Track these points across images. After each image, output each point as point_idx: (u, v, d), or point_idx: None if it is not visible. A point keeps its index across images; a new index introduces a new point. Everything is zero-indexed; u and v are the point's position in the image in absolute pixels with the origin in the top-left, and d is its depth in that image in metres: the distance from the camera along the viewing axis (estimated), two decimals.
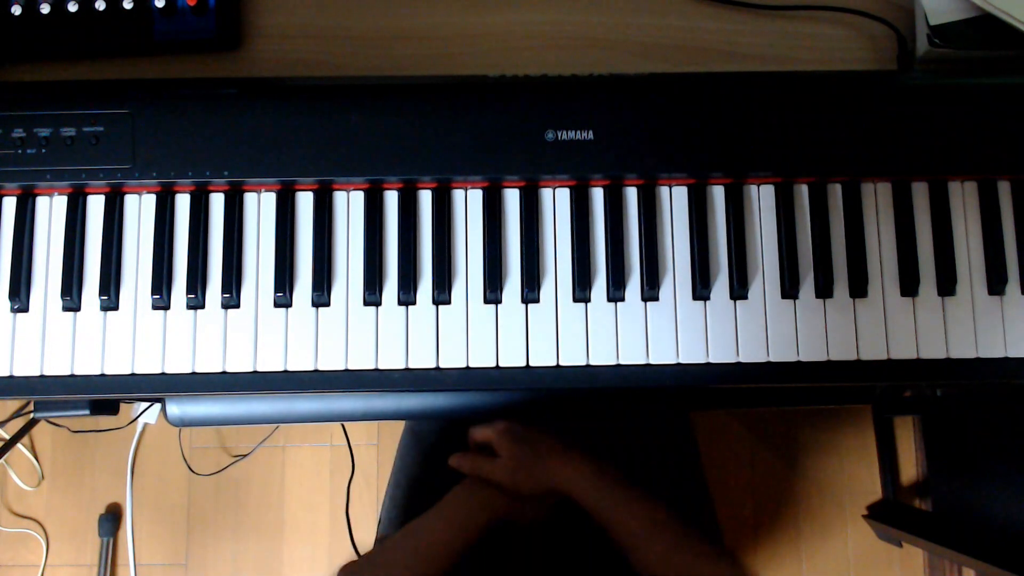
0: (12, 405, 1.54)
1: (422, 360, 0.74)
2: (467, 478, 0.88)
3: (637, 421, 1.04)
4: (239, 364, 0.74)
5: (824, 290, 0.75)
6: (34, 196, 0.76)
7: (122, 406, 1.59)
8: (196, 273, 0.75)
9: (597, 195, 0.76)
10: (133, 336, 0.74)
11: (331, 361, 0.74)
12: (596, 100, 0.75)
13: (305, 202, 0.76)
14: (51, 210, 0.76)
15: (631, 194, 0.77)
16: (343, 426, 1.21)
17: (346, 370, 0.74)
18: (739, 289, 0.75)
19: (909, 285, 0.75)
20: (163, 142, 0.74)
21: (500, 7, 0.85)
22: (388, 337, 0.74)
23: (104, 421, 1.69)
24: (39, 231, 0.76)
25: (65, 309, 0.75)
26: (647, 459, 1.02)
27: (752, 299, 0.75)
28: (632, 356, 0.74)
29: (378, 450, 1.71)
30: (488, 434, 0.88)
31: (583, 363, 0.74)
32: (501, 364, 0.74)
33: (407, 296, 0.75)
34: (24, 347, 0.74)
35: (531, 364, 0.74)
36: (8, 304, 0.75)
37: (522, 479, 0.83)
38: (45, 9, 0.80)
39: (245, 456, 1.71)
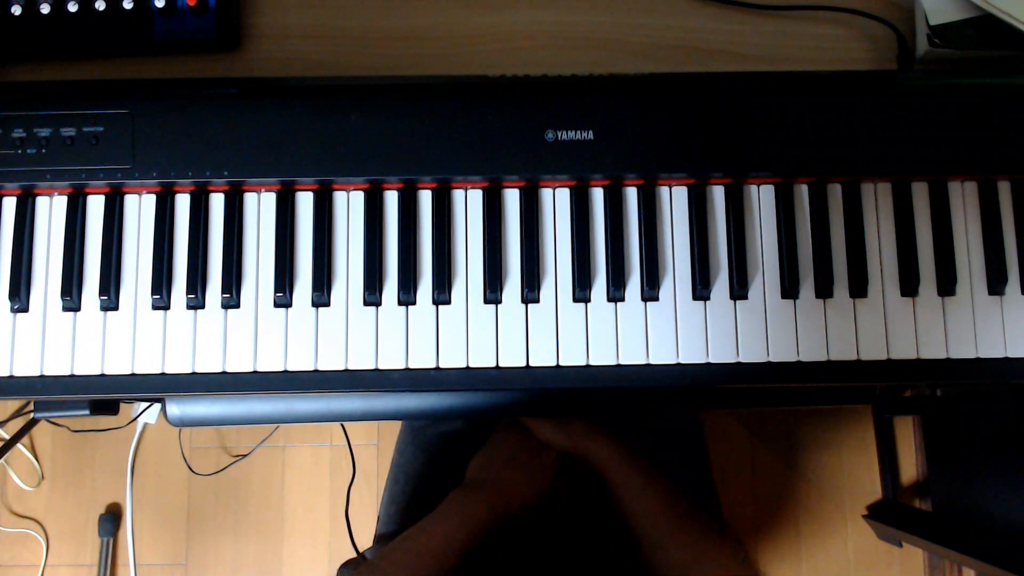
0: (12, 405, 1.54)
1: (422, 360, 0.74)
2: (464, 483, 0.89)
3: (649, 421, 1.04)
4: (239, 364, 0.74)
5: (824, 290, 0.75)
6: (34, 196, 0.76)
7: (122, 406, 1.59)
8: (196, 273, 0.75)
9: (597, 195, 0.76)
10: (133, 336, 0.74)
11: (331, 361, 0.74)
12: (596, 100, 0.75)
13: (305, 202, 0.76)
14: (51, 210, 0.76)
15: (631, 194, 0.77)
16: (344, 428, 1.21)
17: (346, 370, 0.74)
18: (739, 289, 0.75)
19: (909, 285, 0.75)
20: (163, 142, 0.74)
21: (500, 7, 0.85)
22: (388, 337, 0.74)
23: (104, 421, 1.69)
24: (39, 231, 0.76)
25: (65, 309, 0.75)
26: (657, 457, 1.02)
27: (752, 299, 0.75)
28: (632, 356, 0.74)
29: (378, 450, 1.71)
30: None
31: (583, 363, 0.74)
32: (501, 364, 0.74)
33: (407, 296, 0.75)
34: (24, 347, 0.74)
35: (531, 364, 0.74)
36: (8, 304, 0.75)
37: (561, 437, 0.91)
38: (45, 9, 0.80)
39: (245, 456, 1.71)
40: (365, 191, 0.76)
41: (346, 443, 1.71)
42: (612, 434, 0.91)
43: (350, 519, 1.04)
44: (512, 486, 0.87)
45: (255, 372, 0.74)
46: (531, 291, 0.74)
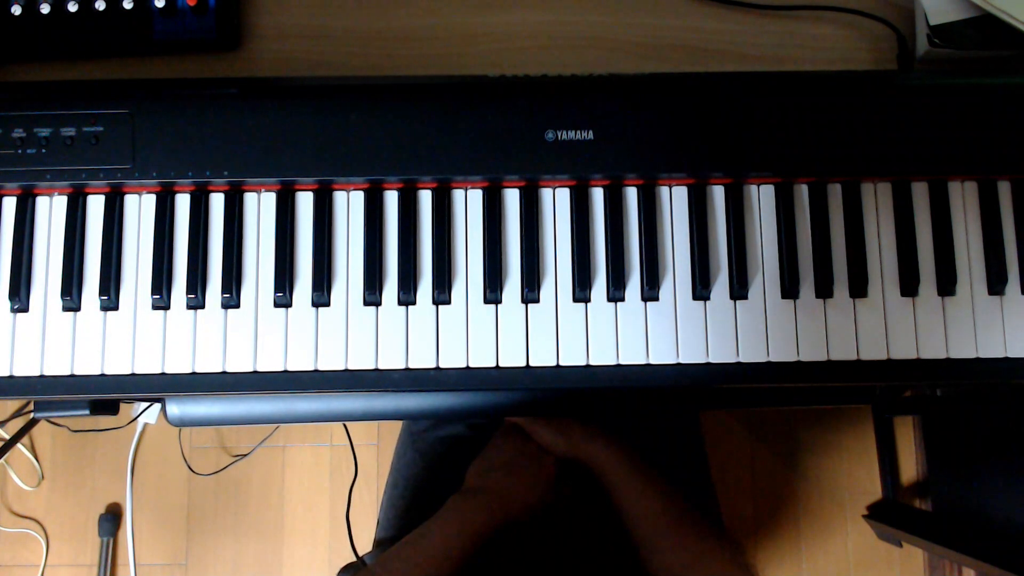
0: (12, 405, 1.54)
1: (422, 360, 0.74)
2: (463, 489, 0.89)
3: (647, 422, 1.04)
4: (239, 364, 0.74)
5: (824, 290, 0.75)
6: (34, 196, 0.76)
7: (122, 406, 1.59)
8: (196, 273, 0.75)
9: (597, 195, 0.76)
10: (133, 336, 0.74)
11: (331, 361, 0.74)
12: (596, 100, 0.75)
13: (305, 202, 0.76)
14: (51, 210, 0.76)
15: (631, 194, 0.77)
16: (347, 429, 1.21)
17: (346, 370, 0.74)
18: (739, 289, 0.75)
19: (909, 285, 0.75)
20: (163, 142, 0.74)
21: (500, 7, 0.85)
22: (388, 337, 0.74)
23: (104, 421, 1.69)
24: (39, 231, 0.76)
25: (65, 309, 0.75)
26: (656, 457, 1.02)
27: (752, 299, 0.75)
28: (632, 356, 0.74)
29: (378, 450, 1.71)
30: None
31: (583, 363, 0.74)
32: (501, 364, 0.74)
33: (407, 296, 0.75)
34: (24, 347, 0.74)
35: (531, 364, 0.74)
36: (8, 304, 0.75)
37: (561, 441, 0.91)
38: (45, 9, 0.80)
39: (245, 456, 1.71)
40: (365, 191, 0.76)
41: (347, 443, 1.71)
42: (611, 436, 0.91)
43: (350, 520, 1.04)
44: (511, 491, 0.87)
45: (255, 372, 0.74)
46: (531, 291, 0.74)
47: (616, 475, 0.87)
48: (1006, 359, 0.74)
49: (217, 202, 0.76)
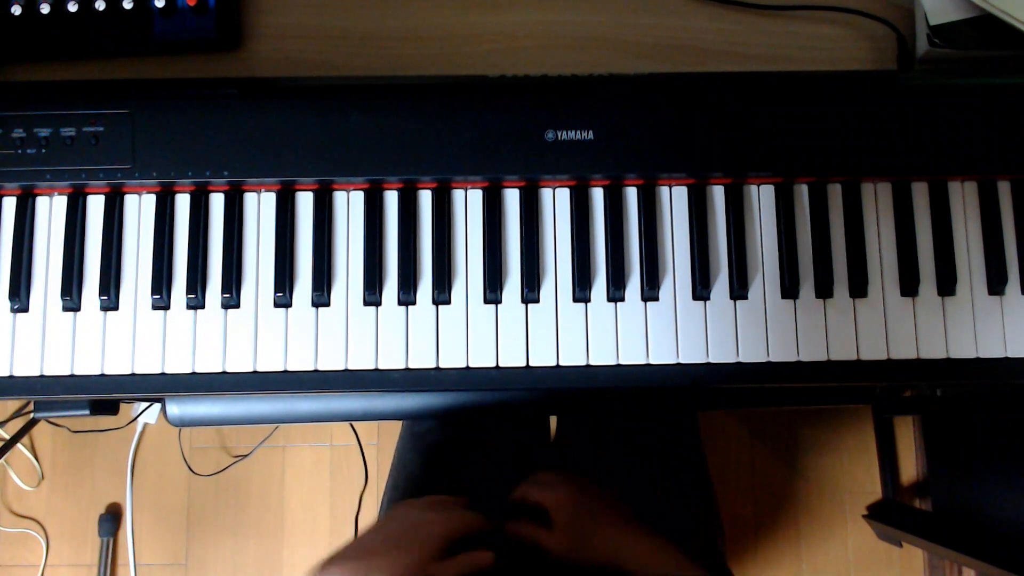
0: (12, 405, 1.54)
1: (422, 360, 0.74)
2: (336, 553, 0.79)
3: (645, 423, 1.04)
4: (239, 364, 0.74)
5: (824, 290, 0.75)
6: (34, 196, 0.76)
7: (122, 406, 1.59)
8: (196, 273, 0.75)
9: (597, 195, 0.76)
10: (133, 336, 0.74)
11: (331, 361, 0.74)
12: (596, 100, 0.75)
13: (305, 202, 0.76)
14: (51, 210, 0.76)
15: (631, 194, 0.77)
16: (355, 431, 1.20)
17: (346, 370, 0.74)
18: (739, 289, 0.75)
19: (909, 285, 0.75)
20: (163, 142, 0.74)
21: (500, 7, 0.85)
22: (388, 337, 0.74)
23: (104, 421, 1.69)
24: (39, 231, 0.76)
25: (65, 309, 0.75)
26: (654, 459, 1.02)
27: (752, 299, 0.75)
28: (632, 356, 0.74)
29: (378, 450, 1.71)
30: (541, 497, 0.78)
31: (583, 363, 0.74)
32: (501, 364, 0.74)
33: (407, 296, 0.75)
34: (24, 347, 0.74)
35: (531, 364, 0.74)
36: (8, 304, 0.75)
37: (580, 551, 0.74)
38: (45, 9, 0.80)
39: (245, 456, 1.71)
40: (365, 191, 0.76)
41: (347, 443, 1.71)
42: (634, 527, 0.76)
43: (356, 520, 1.04)
44: (382, 562, 0.75)
45: (255, 372, 0.74)
46: (531, 291, 0.74)
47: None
48: (1006, 359, 0.74)
49: (217, 202, 0.76)
